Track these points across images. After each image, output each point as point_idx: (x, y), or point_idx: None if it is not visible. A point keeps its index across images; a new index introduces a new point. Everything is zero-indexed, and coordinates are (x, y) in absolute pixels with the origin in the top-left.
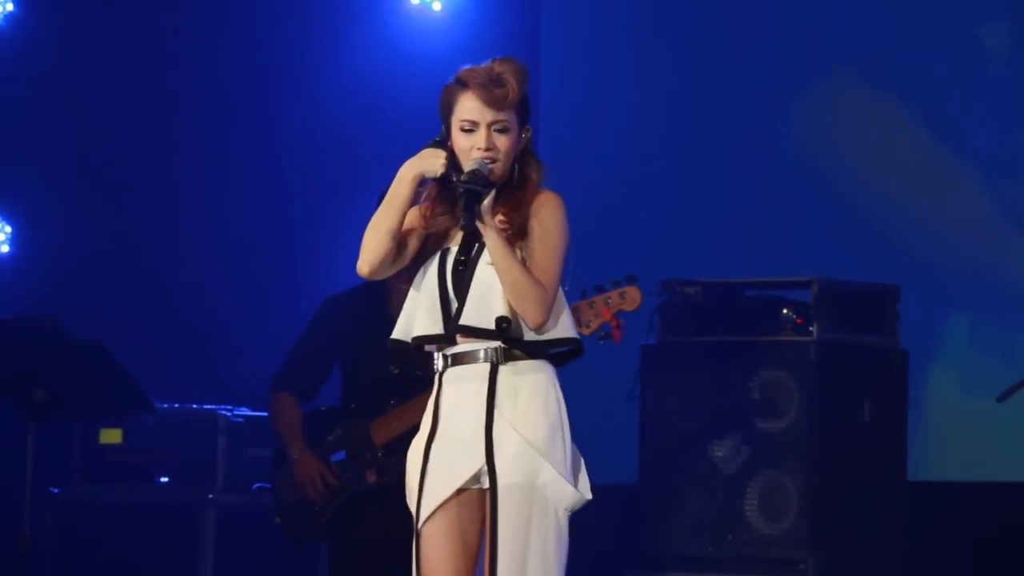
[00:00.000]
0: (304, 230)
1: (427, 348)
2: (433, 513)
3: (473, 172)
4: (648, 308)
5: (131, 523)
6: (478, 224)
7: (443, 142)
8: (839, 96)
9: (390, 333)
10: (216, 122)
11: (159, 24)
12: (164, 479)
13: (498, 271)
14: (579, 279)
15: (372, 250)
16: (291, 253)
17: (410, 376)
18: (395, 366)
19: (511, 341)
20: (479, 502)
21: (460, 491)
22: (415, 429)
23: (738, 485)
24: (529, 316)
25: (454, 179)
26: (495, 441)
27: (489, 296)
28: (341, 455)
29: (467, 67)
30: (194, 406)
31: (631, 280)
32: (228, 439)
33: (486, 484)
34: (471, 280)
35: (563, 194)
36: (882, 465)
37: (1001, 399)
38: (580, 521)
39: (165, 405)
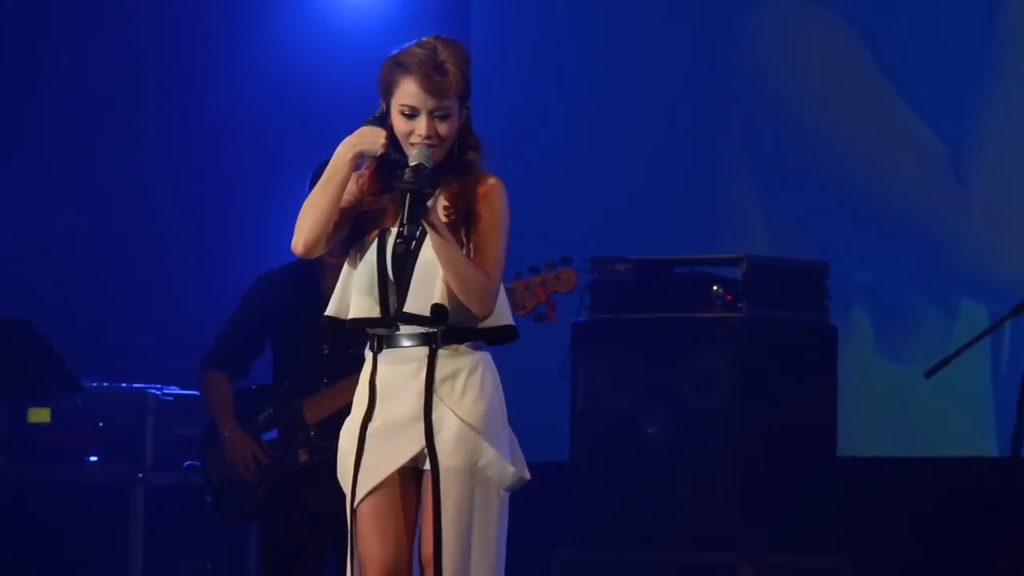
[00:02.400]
0: (236, 208)
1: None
2: (370, 493)
3: (416, 170)
4: (579, 286)
5: (60, 503)
6: (424, 222)
7: (382, 119)
8: (764, 70)
9: (323, 312)
10: (145, 102)
11: (85, 3)
12: (93, 458)
13: (444, 267)
14: (514, 260)
15: (309, 229)
16: (223, 231)
17: (343, 355)
18: (327, 345)
19: (449, 327)
20: (416, 483)
21: (397, 472)
22: (348, 408)
23: (668, 462)
24: (476, 308)
25: (396, 181)
26: (435, 423)
27: (430, 283)
28: (273, 434)
29: (409, 46)
30: (123, 385)
31: (567, 262)
32: (158, 418)
33: (425, 466)
34: (413, 266)
35: (494, 172)
36: (811, 441)
37: (929, 374)
38: (513, 500)
39: (94, 384)
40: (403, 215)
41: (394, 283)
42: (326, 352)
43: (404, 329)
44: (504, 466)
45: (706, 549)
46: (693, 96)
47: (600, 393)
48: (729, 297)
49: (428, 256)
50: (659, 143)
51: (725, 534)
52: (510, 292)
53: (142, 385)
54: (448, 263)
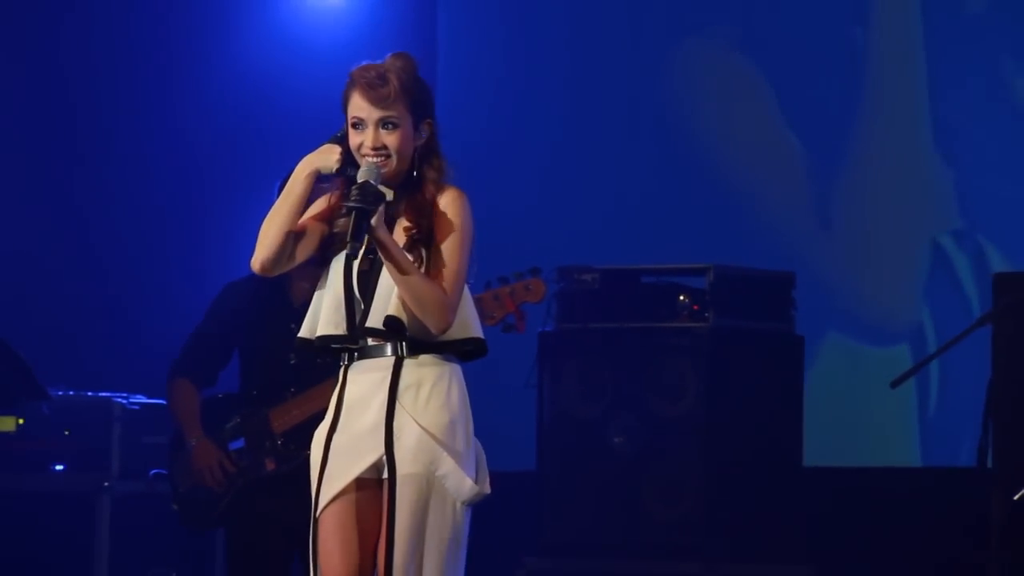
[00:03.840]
0: (203, 216)
1: (333, 346)
2: (330, 502)
3: (362, 187)
4: (547, 296)
5: (26, 511)
6: (372, 237)
7: (343, 138)
8: (728, 79)
9: (290, 320)
10: (112, 111)
11: (51, 14)
12: (59, 467)
13: (396, 283)
14: (482, 270)
15: (266, 247)
16: (189, 240)
17: (310, 364)
18: (294, 355)
19: (415, 340)
20: (378, 492)
21: (359, 481)
22: (315, 417)
23: (635, 471)
24: (432, 324)
25: (343, 199)
26: (395, 432)
27: (390, 298)
28: (240, 443)
29: (363, 64)
30: (89, 393)
31: (535, 272)
32: (124, 427)
33: (385, 474)
34: (376, 282)
35: (462, 185)
36: (778, 450)
37: (895, 384)
38: (479, 509)
39: (60, 393)
40: (348, 232)
41: (359, 301)
42: (293, 362)
43: (371, 343)
44: (463, 479)
45: (673, 558)
46: (656, 107)
47: (567, 402)
48: (696, 307)
49: (388, 274)
50: (625, 152)
51: (692, 543)
52: (478, 302)
53: (108, 394)
54: (399, 280)
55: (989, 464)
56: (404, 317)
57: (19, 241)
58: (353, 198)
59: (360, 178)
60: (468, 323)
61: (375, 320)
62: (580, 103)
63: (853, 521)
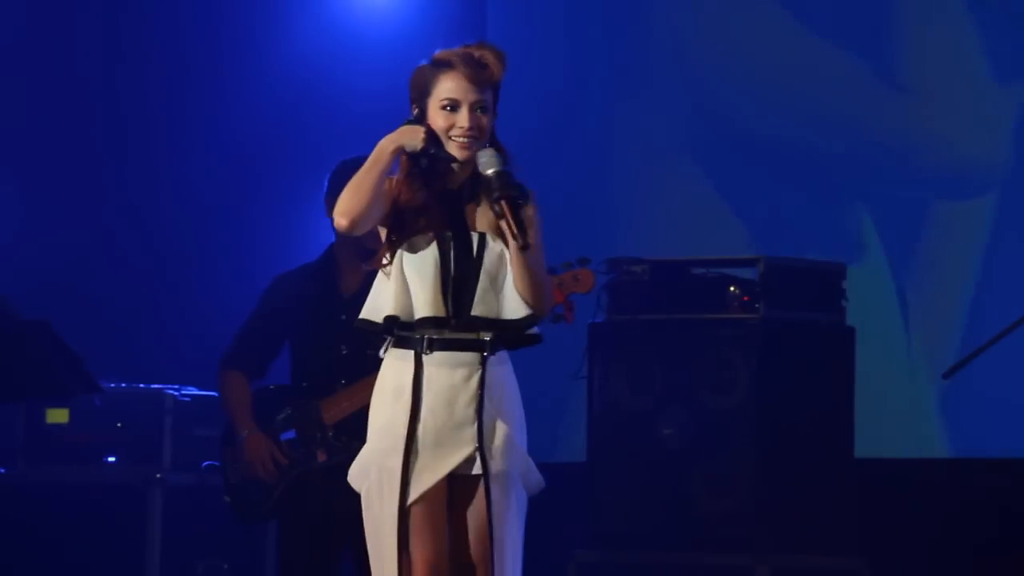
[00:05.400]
0: (254, 209)
1: (403, 332)
2: (422, 496)
3: (506, 177)
4: (596, 287)
5: (78, 503)
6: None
7: (419, 121)
8: (798, 69)
9: (341, 311)
10: (163, 105)
11: (104, 10)
12: (111, 459)
13: (530, 264)
14: None
15: (354, 205)
16: (241, 231)
17: (361, 355)
18: (345, 346)
19: (506, 334)
20: (460, 487)
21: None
22: (367, 408)
23: (685, 463)
24: (540, 306)
25: (486, 194)
26: (484, 430)
27: (496, 288)
28: (291, 434)
29: (444, 50)
30: (141, 386)
31: (584, 262)
32: (175, 418)
33: (474, 470)
34: (479, 270)
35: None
36: (829, 442)
37: (947, 375)
38: (531, 502)
39: (112, 385)
40: (510, 229)
41: (457, 286)
42: (344, 352)
43: (461, 334)
44: (535, 474)
45: (723, 551)
46: (712, 99)
47: (617, 394)
48: (746, 298)
49: (490, 263)
50: (679, 144)
51: (742, 536)
52: None
53: (160, 386)
54: (536, 261)
55: None
56: (524, 315)
57: (71, 234)
58: (506, 190)
59: (489, 168)
60: None
61: (481, 308)
62: (628, 93)
63: (905, 512)
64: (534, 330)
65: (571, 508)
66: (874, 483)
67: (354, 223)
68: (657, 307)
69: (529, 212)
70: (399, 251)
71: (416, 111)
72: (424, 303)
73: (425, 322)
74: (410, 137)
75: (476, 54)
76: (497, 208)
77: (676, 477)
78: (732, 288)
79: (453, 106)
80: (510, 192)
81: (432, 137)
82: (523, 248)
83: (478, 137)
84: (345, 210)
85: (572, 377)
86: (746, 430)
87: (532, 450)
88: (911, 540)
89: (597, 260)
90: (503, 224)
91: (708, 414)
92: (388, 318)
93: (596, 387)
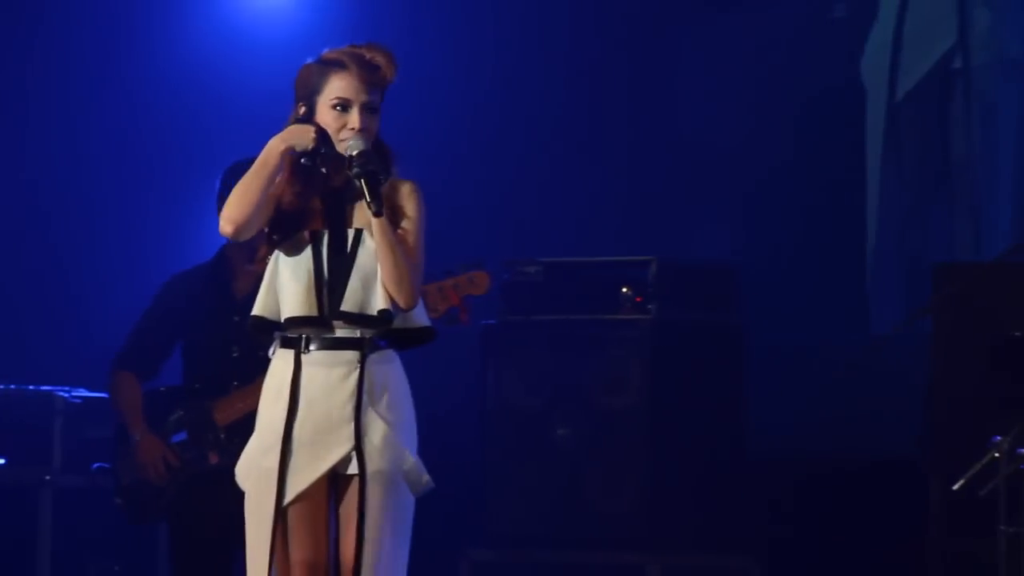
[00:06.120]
0: (144, 208)
1: (288, 334)
2: (300, 495)
3: (364, 155)
4: (491, 288)
5: None
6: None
7: (307, 121)
8: (682, 65)
9: (233, 313)
10: (55, 104)
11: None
12: (1, 461)
13: (386, 254)
14: (427, 262)
15: (240, 210)
16: (131, 232)
17: (253, 357)
18: (237, 348)
19: (383, 332)
20: (332, 487)
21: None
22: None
23: (579, 462)
24: (404, 299)
25: (349, 172)
26: (363, 428)
27: (368, 284)
28: (182, 436)
29: (333, 49)
30: (31, 387)
31: (479, 264)
32: (65, 420)
33: (349, 470)
34: (352, 266)
35: (404, 176)
36: (721, 441)
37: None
38: (422, 501)
39: (1, 386)
40: (364, 198)
41: (329, 284)
42: (236, 355)
43: (340, 332)
44: (421, 473)
45: (615, 549)
46: (600, 100)
47: (511, 394)
48: (639, 299)
49: (364, 259)
50: (568, 145)
51: (635, 535)
52: (423, 295)
53: (50, 387)
54: (390, 250)
55: (928, 454)
56: (390, 307)
57: None
58: (362, 165)
59: (352, 150)
60: (422, 311)
61: (351, 304)
62: (524, 94)
63: (795, 512)
64: (426, 323)
65: (464, 507)
66: (765, 481)
67: (239, 230)
68: (550, 308)
69: (406, 190)
70: (275, 251)
71: (303, 109)
72: (295, 302)
73: (297, 321)
74: (300, 136)
75: (368, 55)
76: (358, 184)
77: (569, 476)
78: (625, 289)
79: (344, 106)
80: (369, 167)
81: (323, 136)
82: (376, 215)
83: (367, 138)
84: (230, 217)
85: (466, 377)
86: (639, 430)
87: (425, 449)
88: (801, 539)
89: (492, 262)
90: (363, 202)
91: (601, 414)
92: (255, 318)
93: (490, 387)
